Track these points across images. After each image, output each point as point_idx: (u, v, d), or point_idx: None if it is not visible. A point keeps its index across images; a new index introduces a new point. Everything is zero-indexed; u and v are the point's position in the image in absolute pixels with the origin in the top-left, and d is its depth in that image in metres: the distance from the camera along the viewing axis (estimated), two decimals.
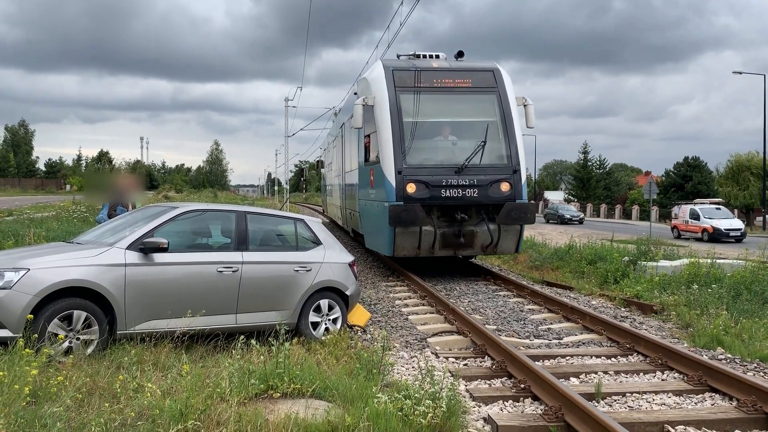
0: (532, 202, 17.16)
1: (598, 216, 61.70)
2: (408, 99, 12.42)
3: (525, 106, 13.05)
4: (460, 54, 13.79)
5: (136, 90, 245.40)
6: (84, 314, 6.25)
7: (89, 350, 6.20)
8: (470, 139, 12.55)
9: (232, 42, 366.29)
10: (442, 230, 12.10)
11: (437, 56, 14.05)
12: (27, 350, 4.95)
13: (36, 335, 5.72)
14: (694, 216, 33.55)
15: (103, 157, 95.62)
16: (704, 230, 32.44)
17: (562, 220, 46.36)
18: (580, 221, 46.85)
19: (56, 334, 6.00)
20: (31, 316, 5.81)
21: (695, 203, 36.12)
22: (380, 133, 12.25)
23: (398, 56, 14.26)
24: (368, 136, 13.32)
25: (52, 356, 5.55)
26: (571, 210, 50.16)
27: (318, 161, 35.65)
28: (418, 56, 14.02)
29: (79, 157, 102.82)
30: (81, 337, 6.21)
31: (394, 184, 11.73)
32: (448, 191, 11.93)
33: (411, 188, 11.72)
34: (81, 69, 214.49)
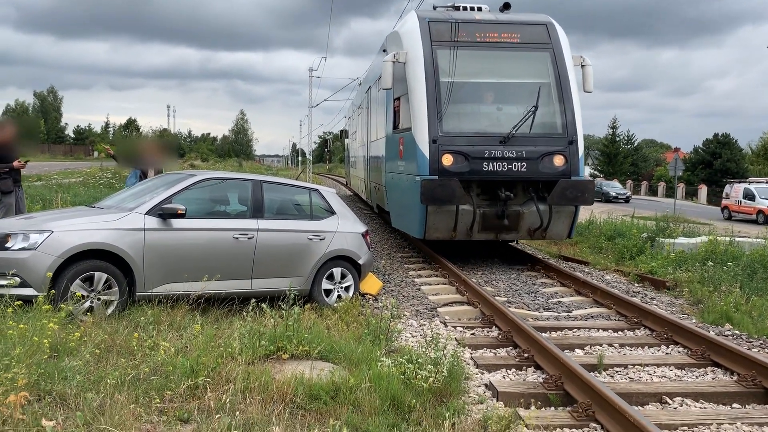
0: (591, 179, 13.83)
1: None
2: (446, 55, 10.69)
3: (583, 66, 11.21)
4: (506, 6, 11.92)
5: (165, 58, 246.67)
6: (105, 276, 6.52)
7: (109, 310, 6.47)
8: (518, 103, 10.82)
9: (262, 10, 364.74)
10: (482, 210, 10.48)
11: (479, 8, 12.24)
12: (46, 306, 5.21)
13: (59, 294, 6.04)
14: (749, 196, 30.94)
15: (130, 125, 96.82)
16: (759, 212, 29.76)
17: (607, 198, 42.38)
18: (627, 199, 43.36)
19: (81, 295, 6.29)
20: (50, 274, 6.08)
21: (749, 182, 33.44)
22: (412, 95, 10.58)
23: (434, 7, 12.54)
24: (398, 99, 11.71)
25: (73, 314, 5.83)
26: (617, 187, 46.26)
27: (342, 131, 33.42)
28: (457, 8, 12.23)
29: (107, 125, 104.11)
30: (102, 297, 6.49)
31: (427, 154, 10.13)
32: (490, 164, 10.26)
33: (447, 160, 10.13)
34: (111, 36, 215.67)
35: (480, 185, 10.66)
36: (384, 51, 12.87)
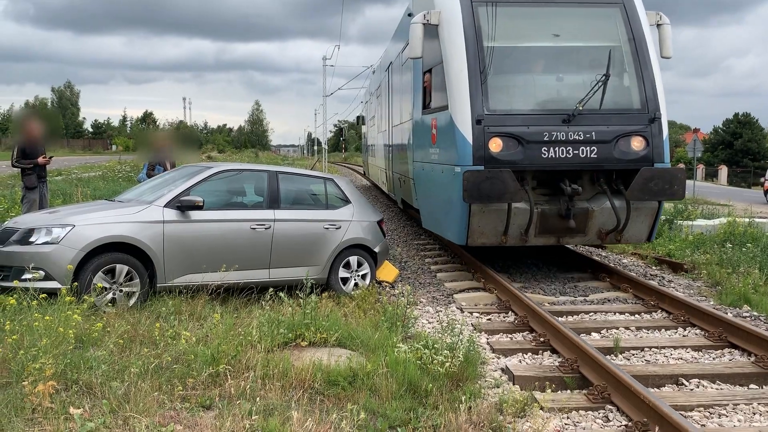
0: (680, 166, 11.11)
1: None
2: (490, 14, 8.66)
3: (659, 25, 9.04)
4: None
5: (181, 50, 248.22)
6: (126, 268, 6.66)
7: (131, 301, 6.62)
8: (583, 72, 8.84)
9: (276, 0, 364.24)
10: (541, 208, 8.33)
11: None
12: (68, 297, 5.35)
13: (82, 286, 6.20)
14: None
15: (147, 118, 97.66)
16: None
17: None
18: None
19: (103, 287, 6.44)
20: (71, 266, 6.23)
21: None
22: (449, 65, 8.53)
23: None
24: (429, 71, 9.69)
25: (96, 305, 5.98)
26: None
27: (358, 117, 30.91)
28: None
29: (125, 118, 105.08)
30: (124, 289, 6.64)
31: (470, 138, 8.05)
32: (551, 150, 8.14)
33: (496, 145, 8.05)
34: (127, 30, 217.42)
35: (537, 177, 8.57)
36: (410, 15, 10.54)
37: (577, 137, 8.23)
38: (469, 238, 8.45)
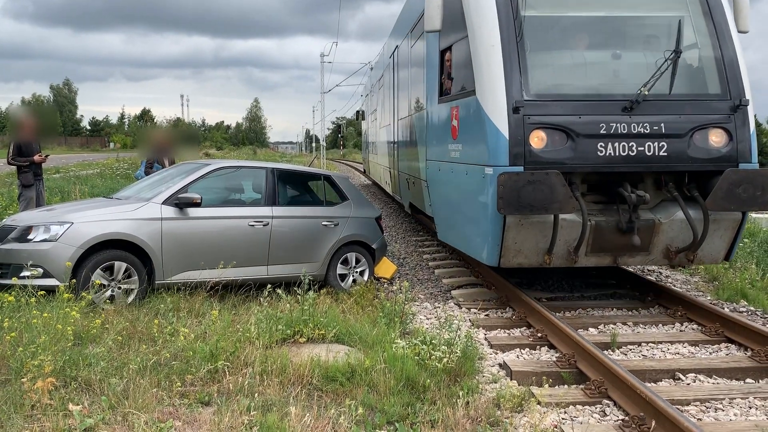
0: None
1: None
2: None
3: None
4: None
5: (180, 47, 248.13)
6: (124, 265, 6.67)
7: (130, 298, 6.63)
8: (646, 48, 7.19)
9: None
10: (595, 221, 6.68)
11: None
12: (66, 294, 5.37)
13: (81, 283, 6.22)
14: None
15: (145, 115, 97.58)
16: None
17: None
18: None
19: (102, 284, 6.45)
20: (69, 264, 6.25)
21: None
22: (477, 38, 6.89)
23: None
24: (449, 49, 7.97)
25: (94, 302, 5.99)
26: None
27: (357, 112, 28.99)
28: None
29: (122, 116, 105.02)
30: (122, 286, 6.65)
31: (505, 132, 6.45)
32: (609, 146, 6.51)
33: (538, 140, 6.49)
34: (126, 27, 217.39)
35: (586, 180, 6.93)
36: None
37: (641, 130, 6.58)
38: (503, 258, 6.73)
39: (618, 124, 6.57)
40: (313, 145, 71.95)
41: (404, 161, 12.09)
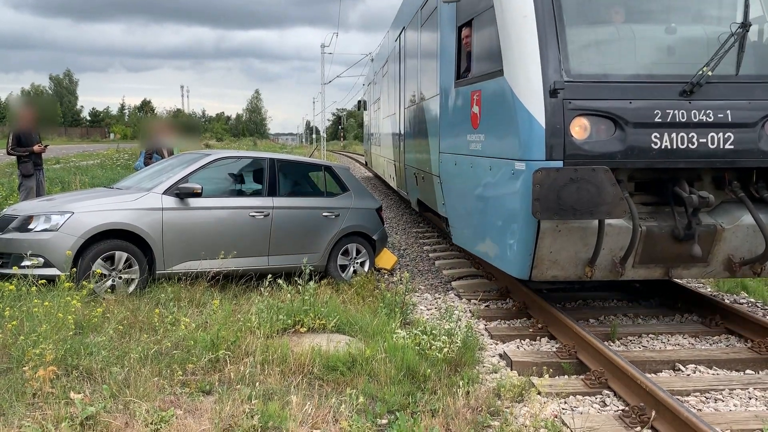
0: None
1: None
2: None
3: None
4: None
5: (180, 38, 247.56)
6: (125, 255, 6.67)
7: (131, 288, 6.64)
8: (707, 20, 6.15)
9: None
10: (647, 226, 5.67)
11: None
12: (67, 283, 5.37)
13: (81, 273, 6.23)
14: None
15: (145, 106, 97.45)
16: None
17: None
18: None
19: (102, 273, 6.46)
20: (70, 253, 6.26)
21: None
22: (504, 9, 5.91)
23: None
24: (469, 23, 6.95)
25: (95, 292, 6.00)
26: None
27: (359, 102, 27.43)
28: None
29: (123, 106, 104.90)
30: (123, 276, 6.66)
31: (541, 119, 5.46)
32: (665, 137, 5.50)
33: (581, 129, 5.49)
34: (127, 17, 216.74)
35: (633, 177, 5.88)
36: None
37: (703, 118, 5.55)
38: (535, 270, 5.74)
39: (676, 111, 5.53)
40: (314, 136, 71.92)
41: (412, 153, 10.93)
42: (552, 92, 5.43)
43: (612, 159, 5.45)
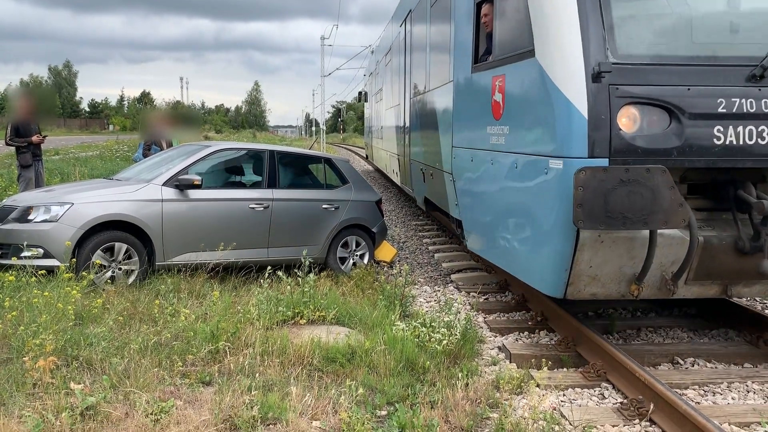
0: None
1: None
2: None
3: None
4: None
5: (181, 29, 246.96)
6: (125, 246, 6.68)
7: (130, 279, 6.65)
8: None
9: None
10: (706, 236, 4.86)
11: None
12: (67, 274, 5.38)
13: (81, 264, 6.23)
14: None
15: (144, 98, 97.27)
16: None
17: None
18: None
19: (102, 264, 6.46)
20: (69, 243, 6.26)
21: None
22: None
23: None
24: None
25: (95, 282, 6.00)
26: None
27: (360, 93, 26.29)
28: None
29: (122, 98, 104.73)
30: (122, 267, 6.66)
31: (583, 107, 4.63)
32: (730, 131, 4.70)
33: (629, 120, 4.70)
34: (127, 8, 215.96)
35: (688, 178, 5.01)
36: None
37: None
38: (571, 287, 4.94)
39: (743, 100, 4.68)
40: (313, 129, 71.78)
41: (418, 147, 10.08)
42: (596, 76, 4.57)
43: (666, 157, 4.61)
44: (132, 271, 6.70)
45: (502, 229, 5.97)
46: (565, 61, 4.74)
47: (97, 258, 6.48)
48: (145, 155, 10.18)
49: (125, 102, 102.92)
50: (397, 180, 14.15)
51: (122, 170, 8.87)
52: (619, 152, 4.58)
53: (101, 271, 6.46)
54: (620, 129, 4.61)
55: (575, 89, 4.64)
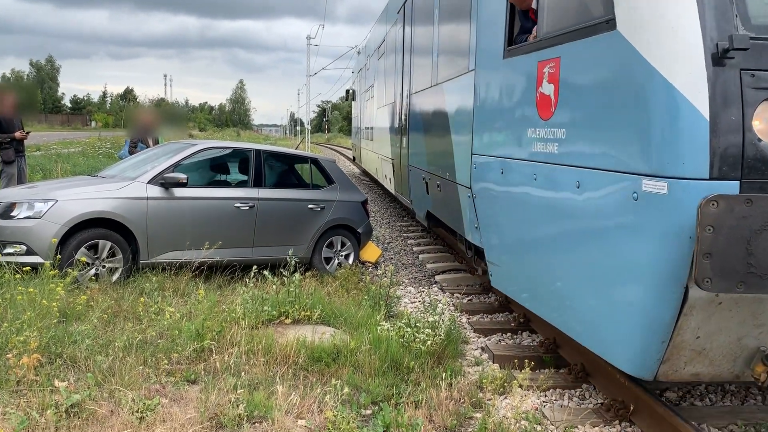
0: None
1: None
2: None
3: None
4: None
5: (166, 26, 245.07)
6: (109, 244, 6.65)
7: (114, 277, 6.62)
8: None
9: None
10: None
11: None
12: (51, 271, 5.35)
13: (64, 261, 6.20)
14: None
15: (128, 95, 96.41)
16: None
17: None
18: None
19: (86, 262, 6.42)
20: (55, 240, 6.23)
21: None
22: None
23: None
24: None
25: (78, 280, 5.97)
26: None
27: (347, 92, 25.21)
28: None
29: (104, 94, 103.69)
30: (106, 265, 6.63)
31: (702, 102, 3.10)
32: None
33: None
34: (112, 4, 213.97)
35: None
36: None
37: None
38: (665, 364, 3.57)
39: None
40: (298, 128, 71.61)
41: (420, 152, 8.69)
42: (720, 55, 3.13)
43: None
44: (116, 268, 6.68)
45: (552, 272, 4.38)
46: (670, 33, 3.25)
47: (81, 255, 6.44)
48: (131, 153, 10.13)
49: (108, 98, 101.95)
50: (390, 187, 12.48)
51: (107, 167, 8.82)
52: (755, 171, 3.15)
53: (85, 268, 6.42)
54: (758, 137, 3.16)
55: (688, 74, 3.19)
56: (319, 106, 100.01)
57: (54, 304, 4.81)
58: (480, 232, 5.73)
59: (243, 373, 4.36)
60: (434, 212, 8.05)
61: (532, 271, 4.79)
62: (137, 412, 3.64)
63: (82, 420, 3.57)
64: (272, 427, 3.68)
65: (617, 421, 4.24)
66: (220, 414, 3.74)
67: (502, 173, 5.09)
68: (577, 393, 4.80)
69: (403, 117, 10.38)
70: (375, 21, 16.20)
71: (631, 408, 4.25)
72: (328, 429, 3.67)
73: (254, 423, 3.75)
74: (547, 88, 4.32)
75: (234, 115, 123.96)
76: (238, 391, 4.02)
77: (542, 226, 4.49)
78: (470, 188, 5.86)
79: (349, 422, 3.67)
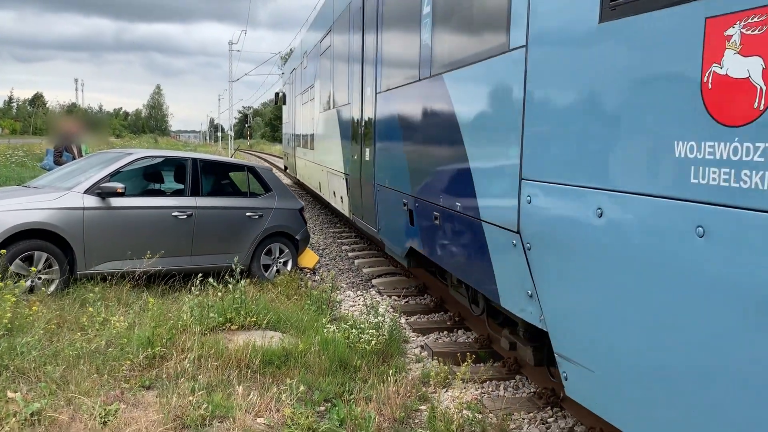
0: None
1: None
2: None
3: None
4: None
5: (78, 28, 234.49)
6: (44, 255, 6.56)
7: (51, 289, 6.53)
8: None
9: None
10: None
11: None
12: (2, 283, 5.28)
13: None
14: None
15: (37, 100, 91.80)
16: None
17: None
18: None
19: (20, 274, 6.30)
20: None
21: None
22: None
23: None
24: None
25: (17, 294, 5.87)
26: None
27: (277, 94, 22.91)
28: None
29: (11, 99, 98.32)
30: (42, 276, 6.53)
31: None
32: None
33: None
34: (18, 3, 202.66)
35: None
36: None
37: None
38: None
39: None
40: (219, 134, 70.35)
41: (399, 166, 6.70)
42: None
43: None
44: (52, 280, 6.59)
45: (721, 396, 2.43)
46: None
47: (16, 268, 6.33)
48: (56, 162, 9.90)
49: (14, 104, 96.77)
50: (341, 208, 10.48)
51: (37, 178, 8.61)
52: None
53: (19, 281, 6.30)
54: None
55: None
56: (240, 112, 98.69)
57: (7, 314, 4.77)
58: (540, 306, 3.68)
59: (199, 377, 4.48)
60: (427, 253, 5.96)
61: (673, 390, 2.66)
62: (99, 416, 3.72)
63: (45, 427, 3.62)
64: (234, 426, 3.85)
65: (549, 407, 4.66)
66: (183, 415, 3.87)
67: (600, 216, 3.06)
68: (512, 384, 5.20)
69: (364, 122, 8.38)
70: (316, 11, 13.95)
71: (562, 395, 4.67)
72: (288, 425, 3.88)
73: (217, 422, 3.90)
74: (738, 65, 2.29)
75: (151, 121, 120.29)
76: (197, 394, 4.16)
77: (702, 317, 2.47)
78: (518, 233, 3.88)
79: (307, 417, 3.89)
